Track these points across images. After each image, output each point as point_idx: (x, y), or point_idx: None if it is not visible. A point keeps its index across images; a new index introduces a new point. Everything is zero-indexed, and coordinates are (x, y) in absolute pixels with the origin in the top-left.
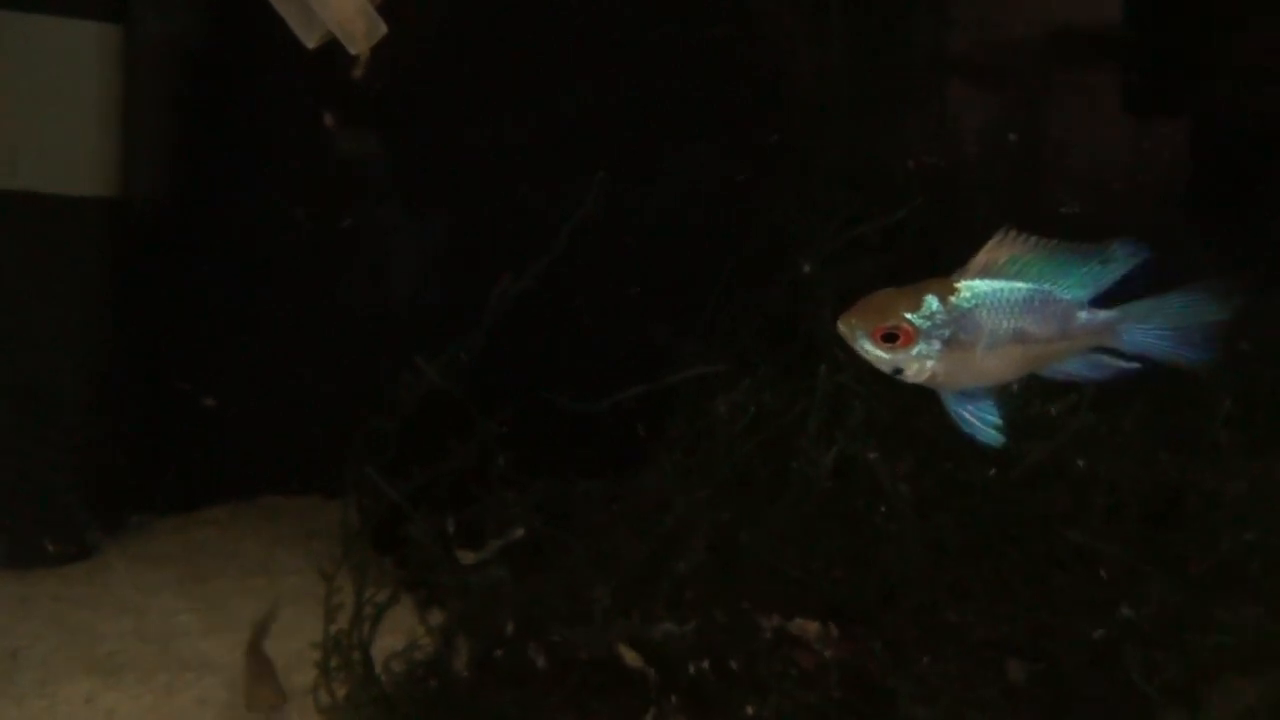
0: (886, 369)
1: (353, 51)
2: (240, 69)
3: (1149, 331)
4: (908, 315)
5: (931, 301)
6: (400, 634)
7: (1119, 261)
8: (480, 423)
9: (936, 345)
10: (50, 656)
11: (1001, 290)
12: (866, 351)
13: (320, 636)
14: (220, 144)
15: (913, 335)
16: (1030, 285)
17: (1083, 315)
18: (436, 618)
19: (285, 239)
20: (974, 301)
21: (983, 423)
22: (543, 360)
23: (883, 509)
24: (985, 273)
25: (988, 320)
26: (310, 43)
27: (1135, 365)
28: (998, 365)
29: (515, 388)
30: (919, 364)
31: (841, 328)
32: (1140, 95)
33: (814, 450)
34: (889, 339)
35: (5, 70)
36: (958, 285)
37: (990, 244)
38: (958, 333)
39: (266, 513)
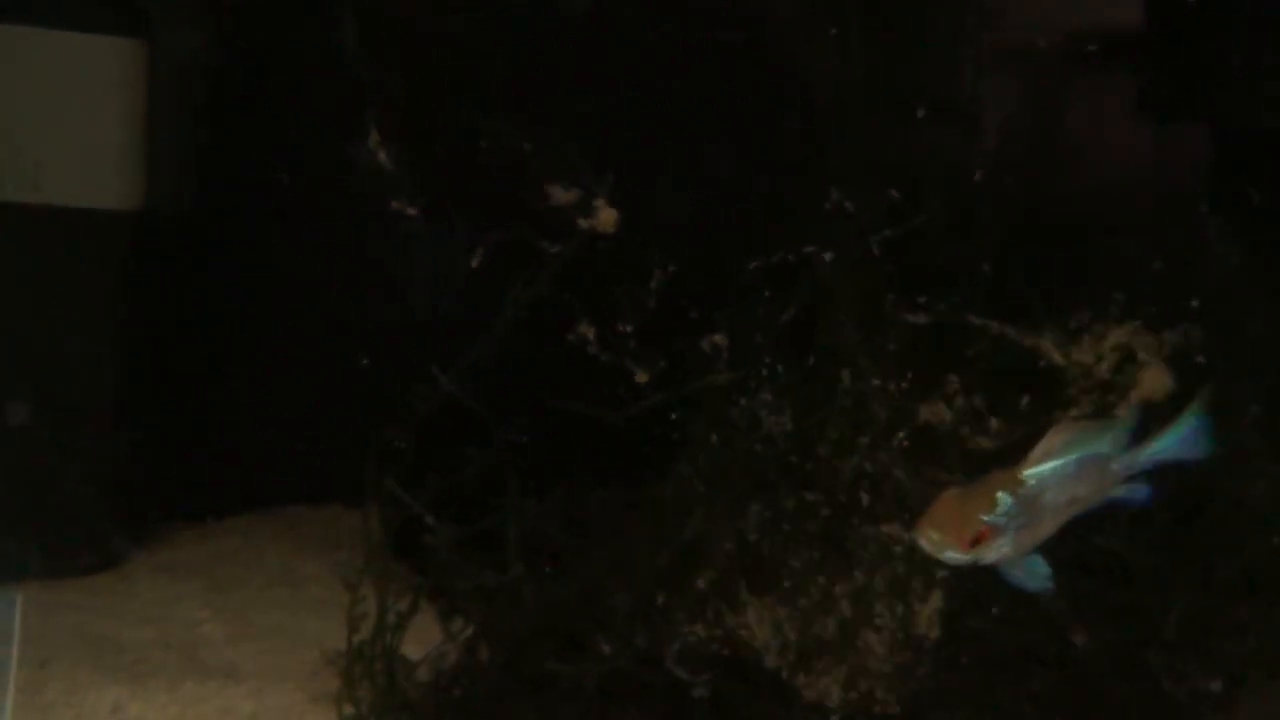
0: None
1: None
2: (263, 83)
3: (1166, 454)
4: (985, 518)
5: (1005, 499)
6: (426, 643)
7: (1129, 422)
8: (497, 431)
9: (1011, 534)
10: (77, 666)
11: (1059, 468)
12: (949, 558)
13: (342, 645)
14: (242, 158)
15: (990, 535)
16: (1078, 455)
17: (1115, 466)
18: (460, 626)
19: (307, 250)
20: (1040, 486)
21: (1035, 577)
22: (559, 367)
23: (905, 516)
24: (1046, 458)
25: (1052, 498)
26: None
27: (1145, 489)
28: (1052, 527)
29: (533, 395)
30: (995, 552)
31: (925, 544)
32: (1159, 96)
33: (835, 458)
34: (972, 543)
35: (30, 85)
36: (1022, 475)
37: (1050, 434)
38: (1029, 518)
39: (288, 522)
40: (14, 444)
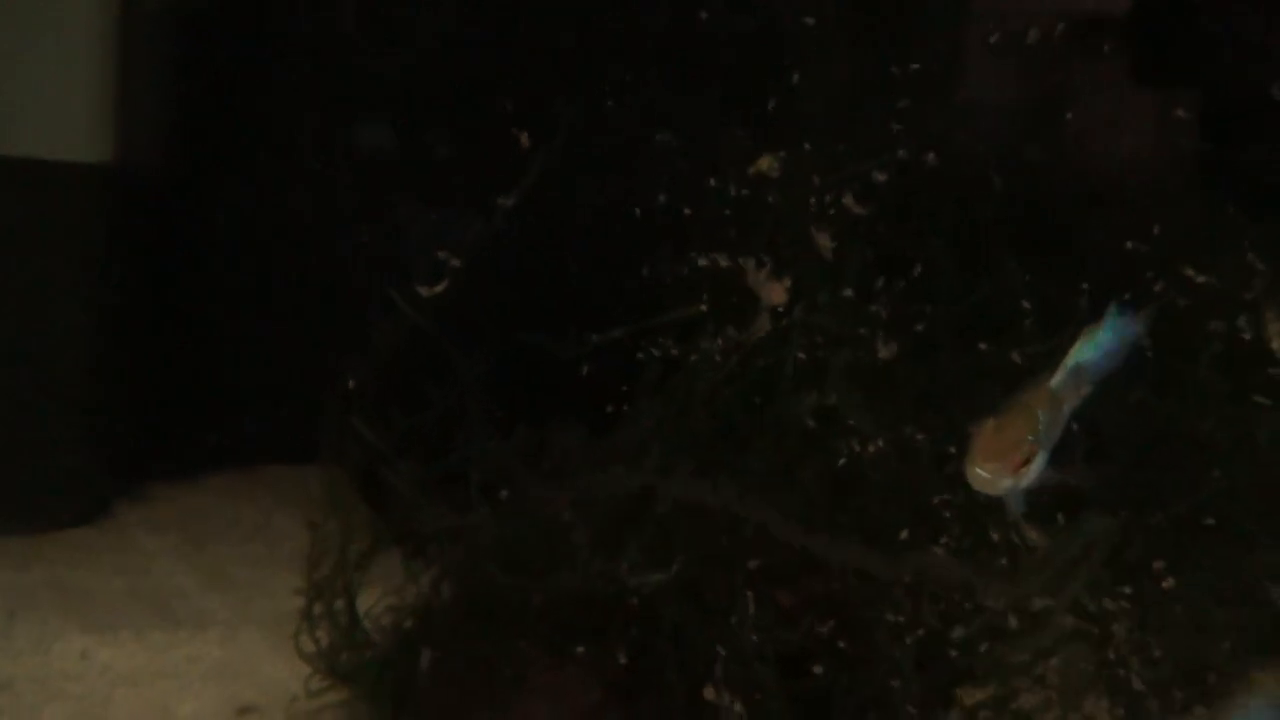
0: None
1: None
2: (238, 37)
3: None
4: (1031, 438)
5: (1042, 415)
6: (391, 590)
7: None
8: (460, 367)
9: (1045, 452)
10: (47, 616)
11: (1067, 375)
12: (1000, 488)
13: None
14: (216, 112)
15: (1035, 450)
16: (1073, 361)
17: (1084, 372)
18: (421, 565)
19: (286, 205)
20: (1061, 394)
21: (1019, 504)
22: (523, 307)
23: (864, 455)
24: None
25: (1067, 407)
26: None
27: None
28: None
29: (495, 333)
30: (1036, 472)
31: (981, 473)
32: (1153, 66)
33: (793, 394)
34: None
35: (1, 35)
36: (1049, 386)
37: (1080, 339)
38: (1052, 429)
39: (266, 480)
40: None
